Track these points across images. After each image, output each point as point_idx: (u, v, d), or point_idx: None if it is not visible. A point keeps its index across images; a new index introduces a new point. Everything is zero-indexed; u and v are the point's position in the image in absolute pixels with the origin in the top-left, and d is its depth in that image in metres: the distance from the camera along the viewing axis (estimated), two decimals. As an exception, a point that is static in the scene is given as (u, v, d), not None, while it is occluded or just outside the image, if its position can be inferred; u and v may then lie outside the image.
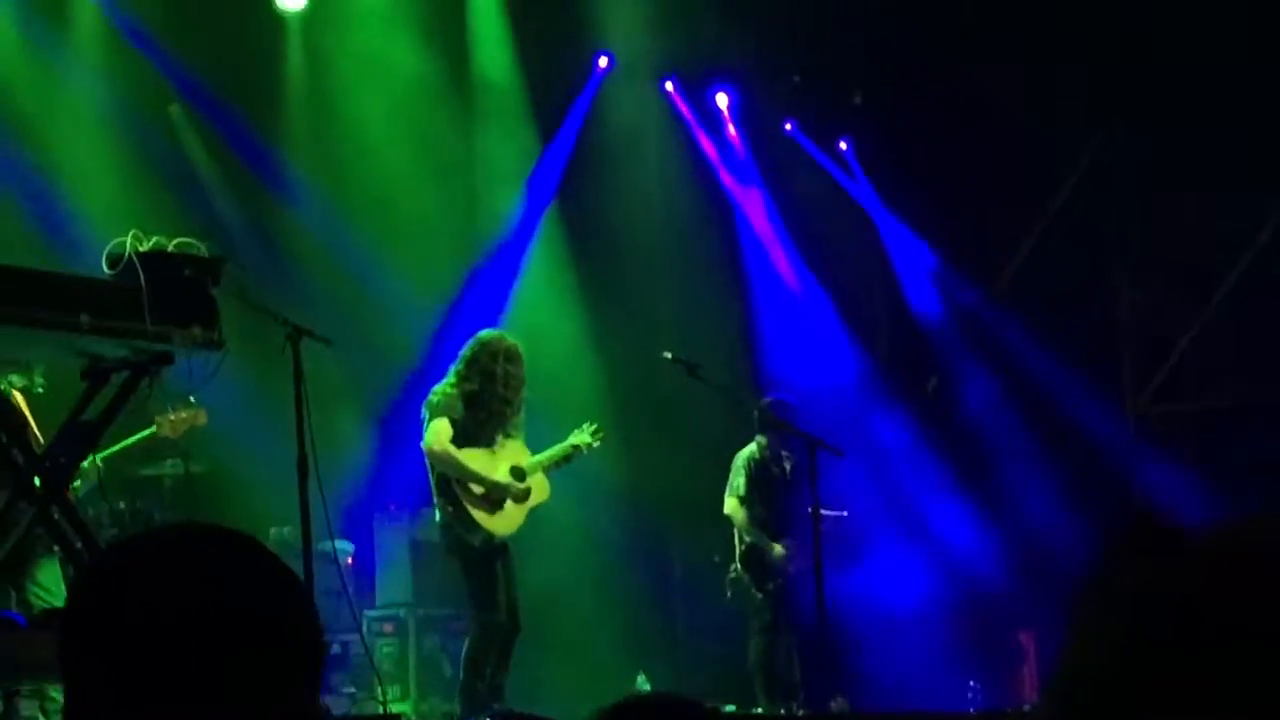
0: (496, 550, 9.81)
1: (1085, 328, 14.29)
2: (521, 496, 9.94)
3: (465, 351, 9.88)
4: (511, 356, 9.89)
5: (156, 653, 1.88)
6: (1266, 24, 12.28)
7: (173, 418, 10.09)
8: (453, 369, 9.87)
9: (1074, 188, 14.41)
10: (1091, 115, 13.83)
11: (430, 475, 9.86)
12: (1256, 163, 12.83)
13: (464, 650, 9.86)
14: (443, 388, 9.80)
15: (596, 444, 10.52)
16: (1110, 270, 14.25)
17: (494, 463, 9.85)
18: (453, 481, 9.71)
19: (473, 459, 9.75)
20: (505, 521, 9.86)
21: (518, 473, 9.93)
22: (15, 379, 9.13)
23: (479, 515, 9.72)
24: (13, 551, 7.50)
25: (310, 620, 2.02)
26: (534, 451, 10.22)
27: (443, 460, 9.68)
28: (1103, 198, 14.17)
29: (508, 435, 9.95)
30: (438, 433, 9.65)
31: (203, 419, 10.37)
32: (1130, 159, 13.81)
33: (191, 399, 9.77)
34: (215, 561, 1.98)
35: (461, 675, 9.74)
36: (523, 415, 10.08)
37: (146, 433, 10.22)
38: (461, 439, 9.72)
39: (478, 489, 9.75)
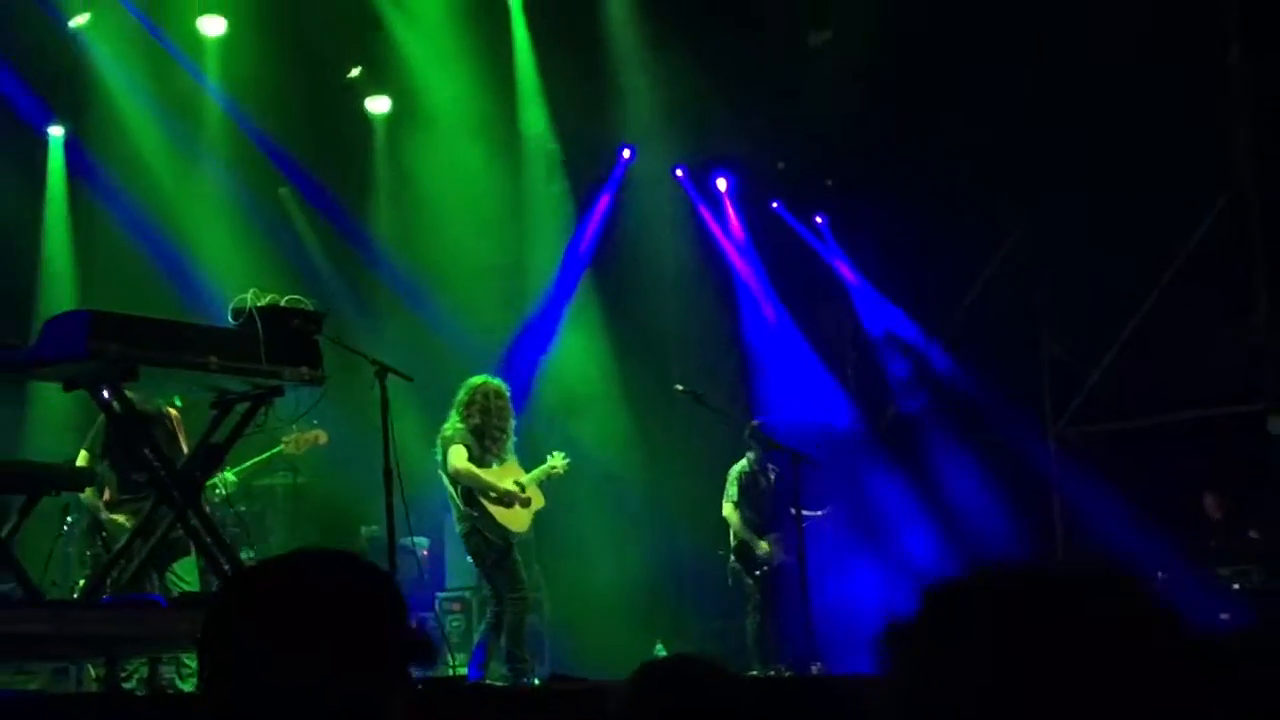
0: (511, 546, 9.86)
1: (1014, 367, 14.29)
2: (525, 502, 10.00)
3: (462, 395, 9.89)
4: (499, 393, 9.95)
5: (284, 642, 1.93)
6: (1165, 133, 12.31)
7: (297, 437, 10.08)
8: (455, 410, 9.86)
9: (1005, 256, 14.44)
10: (1019, 199, 13.87)
11: (453, 493, 9.83)
12: (1149, 239, 12.86)
13: (491, 626, 9.87)
14: (452, 424, 9.81)
15: (566, 467, 10.53)
16: (1034, 321, 14.26)
17: (502, 477, 9.91)
18: (476, 493, 9.76)
19: (488, 475, 9.83)
20: (519, 521, 9.92)
21: (520, 486, 10.00)
22: (169, 401, 9.20)
23: (500, 515, 9.77)
24: (160, 546, 7.53)
25: (404, 620, 2.05)
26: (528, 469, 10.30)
27: (467, 477, 9.70)
28: (1028, 264, 14.19)
29: (502, 461, 9.99)
30: (460, 456, 9.69)
31: (324, 439, 10.36)
32: (1050, 233, 13.83)
33: (315, 422, 9.79)
34: (332, 577, 2.02)
35: (508, 646, 9.76)
36: (512, 441, 10.09)
37: (274, 450, 10.20)
38: (474, 461, 9.78)
39: (494, 495, 9.79)
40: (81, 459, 9.15)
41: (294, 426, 9.45)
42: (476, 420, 9.80)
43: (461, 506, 9.79)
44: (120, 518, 9.11)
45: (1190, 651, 1.33)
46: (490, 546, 9.79)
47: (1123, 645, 1.30)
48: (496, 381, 10.09)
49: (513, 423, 10.05)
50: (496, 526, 9.76)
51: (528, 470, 10.24)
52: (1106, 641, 1.30)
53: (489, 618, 10.04)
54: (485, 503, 9.74)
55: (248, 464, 10.16)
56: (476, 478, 9.73)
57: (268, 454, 10.24)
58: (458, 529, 10.01)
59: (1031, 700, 1.28)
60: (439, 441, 9.89)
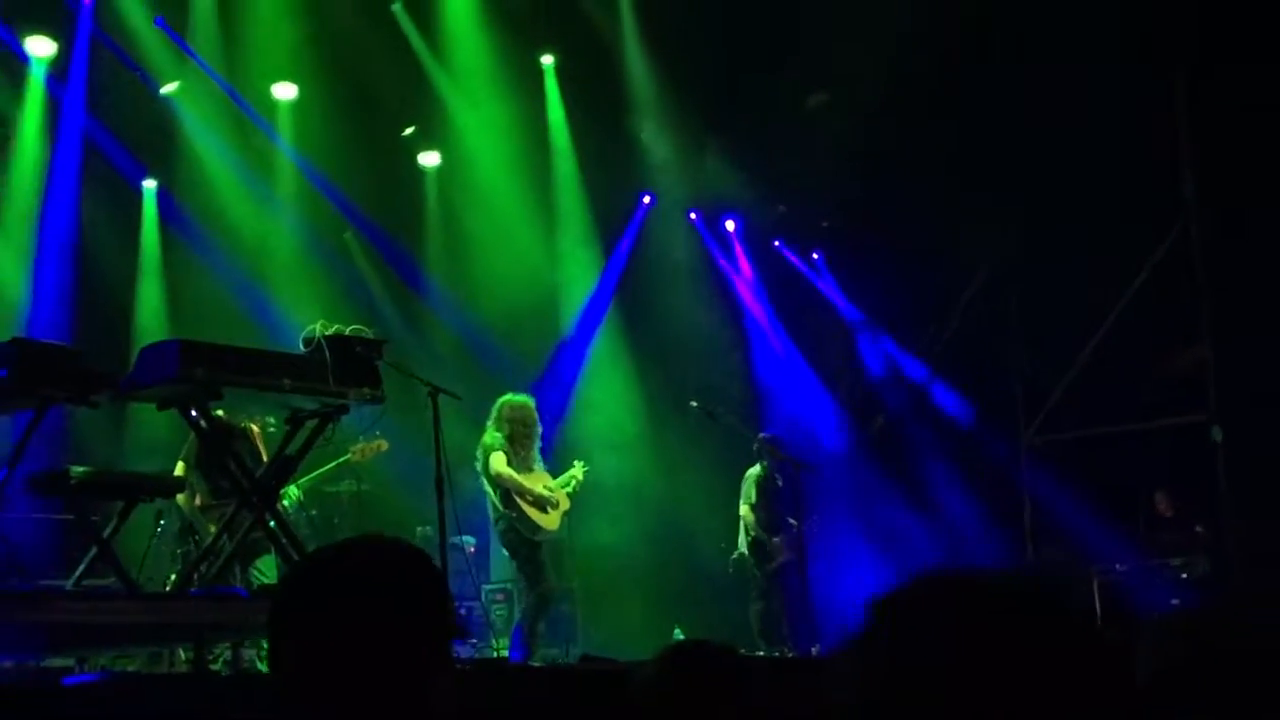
0: (541, 544, 9.90)
1: (989, 382, 14.26)
2: (554, 504, 10.03)
3: (494, 411, 9.98)
4: (524, 406, 10.01)
5: (345, 624, 1.94)
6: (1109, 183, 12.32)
7: (362, 447, 10.13)
8: (490, 424, 9.95)
9: (979, 287, 14.41)
10: (990, 237, 13.85)
11: (493, 495, 9.87)
12: (1106, 272, 12.86)
13: (525, 611, 9.97)
14: (489, 436, 9.89)
15: (583, 475, 10.56)
16: (1005, 342, 14.23)
17: (535, 482, 9.96)
18: (514, 495, 9.80)
19: (524, 479, 9.88)
20: (551, 520, 9.94)
21: (549, 490, 10.03)
22: (252, 419, 9.24)
23: (535, 516, 9.81)
24: (241, 545, 7.55)
25: (447, 599, 2.06)
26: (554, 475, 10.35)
27: (508, 480, 9.74)
28: (1001, 292, 14.16)
29: (530, 468, 10.01)
30: (500, 462, 9.76)
31: (385, 447, 10.42)
32: (1019, 265, 13.80)
33: (377, 433, 9.84)
34: (387, 561, 2.03)
35: (526, 626, 9.84)
36: (538, 449, 10.13)
37: (343, 459, 10.25)
38: (510, 467, 9.86)
39: (530, 498, 9.84)
40: (178, 469, 9.20)
41: (360, 438, 9.53)
42: (509, 429, 9.88)
43: (500, 507, 9.82)
44: (210, 522, 9.13)
45: (1094, 651, 1.33)
46: (523, 542, 9.84)
47: (1035, 646, 1.31)
48: (522, 397, 10.17)
49: (538, 431, 10.10)
50: (531, 525, 9.79)
51: (553, 476, 10.29)
52: (1020, 642, 1.31)
53: (523, 605, 10.11)
54: (521, 504, 9.78)
55: (318, 472, 10.21)
56: (516, 481, 9.77)
57: (336, 462, 10.30)
58: (496, 526, 10.03)
59: (952, 692, 1.29)
60: (479, 450, 9.93)
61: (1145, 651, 2.25)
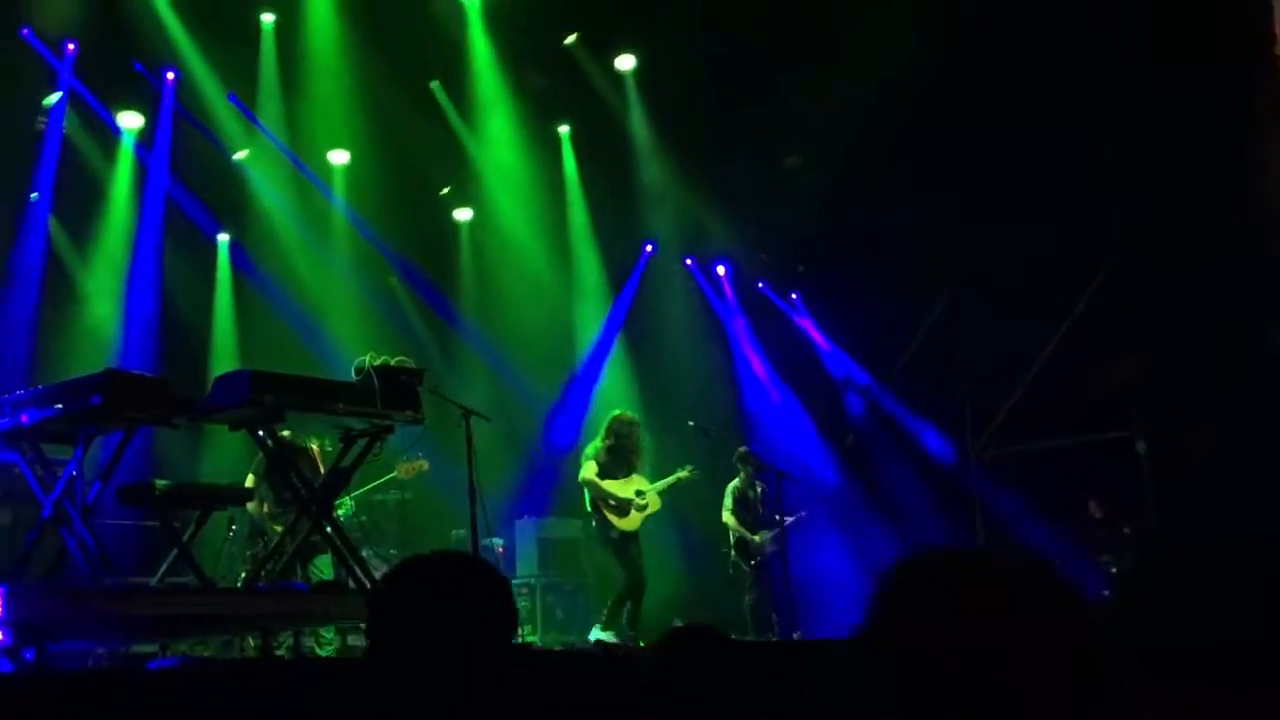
0: (627, 539, 10.00)
1: (942, 401, 14.25)
2: (640, 508, 10.13)
3: (605, 423, 10.23)
4: (631, 422, 10.24)
5: (433, 623, 2.02)
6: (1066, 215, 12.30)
7: (406, 466, 10.14)
8: (600, 434, 10.19)
9: (933, 321, 14.40)
10: (942, 276, 13.84)
11: (585, 495, 10.08)
12: (1045, 304, 12.85)
13: (616, 595, 10.07)
14: (594, 445, 10.15)
15: (691, 477, 10.66)
16: (957, 365, 14.21)
17: (626, 487, 10.05)
18: (598, 499, 9.92)
19: (611, 485, 9.99)
20: (628, 523, 10.03)
21: (640, 494, 10.10)
22: (313, 439, 9.24)
23: (612, 518, 9.96)
24: (302, 546, 7.54)
25: (509, 602, 2.16)
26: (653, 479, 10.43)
27: (590, 486, 9.97)
28: (951, 324, 14.15)
29: (634, 471, 10.15)
30: (590, 470, 10.00)
31: (426, 466, 10.44)
32: (967, 301, 13.79)
33: (420, 454, 9.84)
34: (462, 572, 2.14)
35: (608, 608, 10.05)
36: (641, 459, 10.26)
37: (390, 475, 10.25)
38: (605, 474, 10.00)
39: (612, 503, 9.95)
40: (249, 481, 9.21)
41: (404, 457, 9.53)
42: (612, 441, 10.08)
43: (588, 507, 10.06)
44: (277, 526, 9.13)
45: (1076, 621, 1.31)
46: (604, 538, 10.04)
47: (1027, 608, 1.29)
48: (629, 413, 10.38)
49: (635, 441, 10.20)
50: (606, 524, 9.97)
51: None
52: (1016, 603, 1.29)
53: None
54: (603, 507, 9.95)
55: (368, 486, 10.20)
56: (598, 487, 9.95)
57: (385, 478, 10.28)
58: (594, 523, 10.16)
59: (955, 641, 1.28)
60: (583, 456, 10.18)
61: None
